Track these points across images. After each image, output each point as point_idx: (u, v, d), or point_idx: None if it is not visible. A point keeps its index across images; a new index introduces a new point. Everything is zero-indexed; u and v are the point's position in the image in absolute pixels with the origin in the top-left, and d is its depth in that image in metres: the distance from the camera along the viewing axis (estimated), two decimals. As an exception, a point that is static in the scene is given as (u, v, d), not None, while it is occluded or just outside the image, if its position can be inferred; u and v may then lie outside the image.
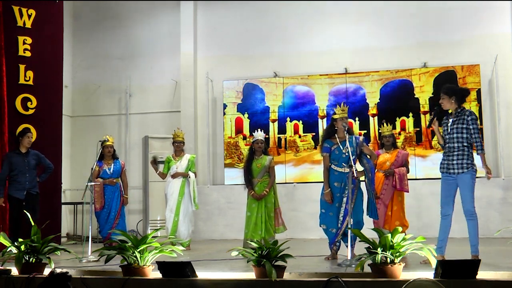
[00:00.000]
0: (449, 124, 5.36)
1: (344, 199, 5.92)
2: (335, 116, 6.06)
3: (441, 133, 5.52)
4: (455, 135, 5.28)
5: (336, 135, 6.06)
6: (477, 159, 5.34)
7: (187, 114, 10.79)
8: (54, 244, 5.19)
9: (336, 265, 5.36)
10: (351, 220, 5.68)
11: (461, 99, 5.38)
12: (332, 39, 10.51)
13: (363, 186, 6.04)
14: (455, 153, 5.27)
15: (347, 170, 5.86)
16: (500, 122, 9.68)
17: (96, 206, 7.77)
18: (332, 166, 6.01)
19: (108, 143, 7.90)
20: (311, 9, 10.65)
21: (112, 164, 7.98)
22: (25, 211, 6.23)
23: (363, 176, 6.02)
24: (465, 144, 5.26)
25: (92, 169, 7.36)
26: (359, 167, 5.90)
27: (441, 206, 5.39)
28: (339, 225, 5.92)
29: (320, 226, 6.10)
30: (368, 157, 6.10)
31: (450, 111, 5.44)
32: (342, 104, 6.10)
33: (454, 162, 5.27)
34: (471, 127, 5.27)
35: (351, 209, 5.67)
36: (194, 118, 10.81)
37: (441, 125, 5.55)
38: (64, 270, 4.41)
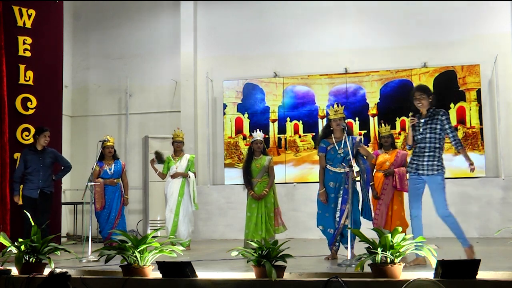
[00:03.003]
0: (420, 125, 5.26)
1: (339, 200, 5.92)
2: (330, 117, 6.07)
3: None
4: (428, 135, 5.20)
5: (332, 135, 6.07)
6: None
7: (187, 114, 10.79)
8: (54, 244, 5.19)
9: (336, 265, 5.36)
10: (348, 220, 5.70)
11: (433, 99, 5.31)
12: (332, 39, 10.52)
13: (358, 186, 6.04)
14: (426, 153, 5.19)
15: (342, 170, 5.88)
16: (500, 122, 9.68)
17: (97, 206, 7.77)
18: (328, 166, 6.03)
19: (108, 143, 7.89)
20: (311, 9, 10.65)
21: (113, 165, 7.97)
22: (25, 211, 6.23)
23: (359, 177, 6.03)
24: (437, 145, 5.19)
25: (92, 169, 7.35)
26: (355, 167, 5.90)
27: (410, 207, 5.30)
28: (336, 225, 5.93)
29: (318, 227, 6.12)
30: (365, 157, 6.11)
31: (421, 112, 5.32)
32: (335, 105, 6.09)
33: (425, 163, 5.18)
34: (446, 126, 5.20)
35: (350, 208, 5.67)
36: (194, 118, 10.81)
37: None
38: (64, 270, 4.41)
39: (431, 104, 5.29)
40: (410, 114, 5.41)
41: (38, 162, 7.19)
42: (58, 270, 4.44)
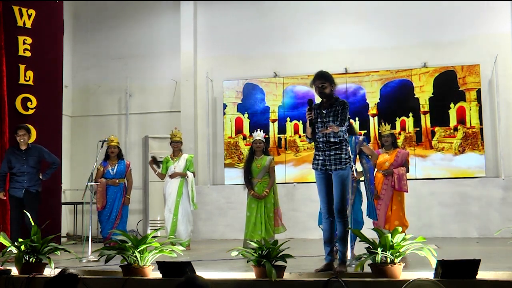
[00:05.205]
0: (323, 116, 4.83)
1: None
2: None
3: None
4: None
5: None
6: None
7: (187, 114, 10.79)
8: (54, 244, 5.20)
9: (336, 265, 5.35)
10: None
11: (335, 87, 4.91)
12: (332, 39, 10.51)
13: (361, 186, 6.04)
14: (333, 147, 4.77)
15: None
16: (500, 122, 9.68)
17: (98, 206, 7.76)
18: None
19: (112, 143, 7.88)
20: (311, 9, 10.64)
21: (116, 165, 7.94)
22: (25, 211, 6.23)
23: (362, 177, 6.02)
24: (342, 138, 4.78)
25: (93, 169, 7.31)
26: (358, 167, 5.90)
27: (322, 206, 4.91)
28: None
29: (319, 225, 6.12)
30: (369, 157, 6.10)
31: (322, 101, 4.91)
32: None
33: (332, 157, 4.76)
34: (339, 118, 4.75)
35: (350, 209, 5.67)
36: (194, 118, 10.81)
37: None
38: (75, 272, 4.38)
39: (333, 93, 4.89)
40: (307, 108, 4.83)
41: (22, 163, 6.99)
42: (71, 270, 4.40)
